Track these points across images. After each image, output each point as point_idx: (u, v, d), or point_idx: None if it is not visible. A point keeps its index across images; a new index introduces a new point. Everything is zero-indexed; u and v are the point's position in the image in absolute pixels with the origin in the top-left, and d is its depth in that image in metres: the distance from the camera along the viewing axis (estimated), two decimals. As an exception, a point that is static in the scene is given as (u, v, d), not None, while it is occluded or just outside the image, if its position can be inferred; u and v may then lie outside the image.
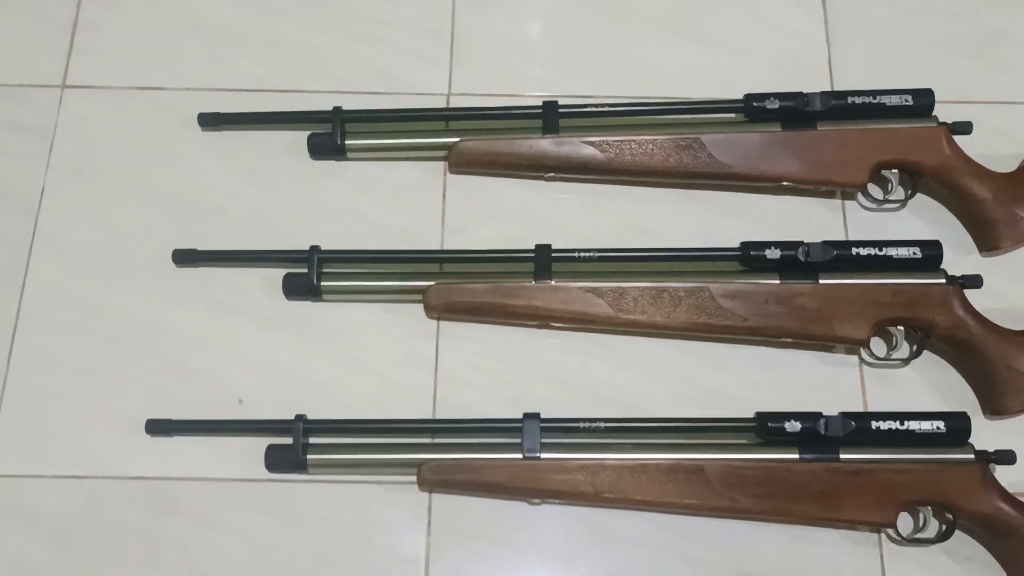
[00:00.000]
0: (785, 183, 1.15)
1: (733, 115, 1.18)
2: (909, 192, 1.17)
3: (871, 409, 1.09)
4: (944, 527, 1.01)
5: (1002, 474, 1.04)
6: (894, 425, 1.00)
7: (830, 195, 1.20)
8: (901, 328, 1.08)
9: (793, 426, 1.00)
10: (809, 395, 1.08)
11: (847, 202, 1.20)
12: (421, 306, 1.11)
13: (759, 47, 1.28)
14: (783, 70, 1.27)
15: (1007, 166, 1.16)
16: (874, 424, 1.00)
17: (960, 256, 1.17)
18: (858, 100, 1.14)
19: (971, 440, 1.01)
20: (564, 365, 1.11)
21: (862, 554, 1.04)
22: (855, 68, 1.26)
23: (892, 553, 1.04)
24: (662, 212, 1.19)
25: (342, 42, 1.27)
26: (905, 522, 1.04)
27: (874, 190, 1.18)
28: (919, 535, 1.02)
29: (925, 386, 1.11)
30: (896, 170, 1.15)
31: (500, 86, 1.26)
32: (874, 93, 1.14)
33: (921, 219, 1.19)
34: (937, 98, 1.16)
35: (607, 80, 1.26)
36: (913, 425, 1.00)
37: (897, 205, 1.18)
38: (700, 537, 1.04)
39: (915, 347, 1.09)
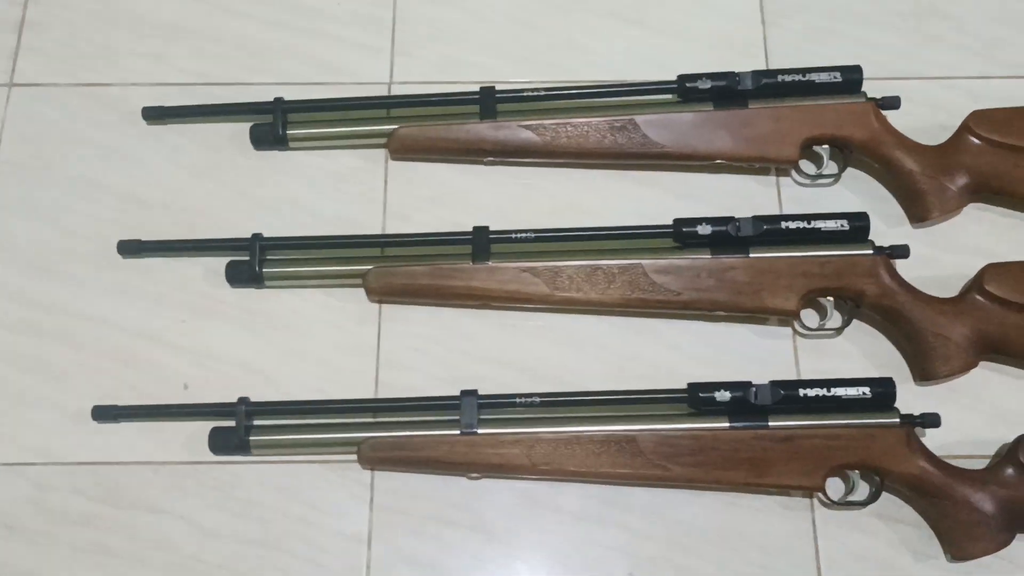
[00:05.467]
0: (719, 161, 1.17)
1: (667, 96, 1.19)
2: (841, 167, 1.19)
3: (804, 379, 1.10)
4: (873, 490, 1.03)
5: (932, 438, 1.06)
6: (821, 392, 1.02)
7: (765, 172, 1.22)
8: (831, 299, 1.10)
9: (723, 395, 1.02)
10: (744, 367, 1.11)
11: (782, 179, 1.22)
12: (363, 291, 1.12)
13: (696, 28, 1.30)
14: (719, 50, 1.29)
15: (938, 139, 1.18)
16: (802, 391, 1.02)
17: (892, 228, 1.19)
18: (788, 78, 1.17)
19: (904, 406, 1.03)
20: (504, 344, 1.14)
21: (795, 519, 1.06)
22: (790, 46, 1.28)
23: (824, 517, 1.06)
24: (601, 193, 1.21)
25: (285, 34, 1.29)
26: (836, 487, 1.06)
27: (807, 166, 1.20)
28: (849, 499, 1.03)
29: (858, 355, 1.13)
30: (827, 145, 1.17)
31: (442, 74, 1.28)
32: (803, 71, 1.17)
33: (854, 193, 1.21)
34: (870, 74, 1.19)
35: (548, 66, 1.28)
36: (840, 391, 1.02)
37: (830, 180, 1.20)
38: (637, 508, 1.07)
39: (846, 317, 1.11)
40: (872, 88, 1.18)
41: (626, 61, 1.28)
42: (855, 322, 1.14)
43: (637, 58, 1.28)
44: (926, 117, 1.23)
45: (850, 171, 1.22)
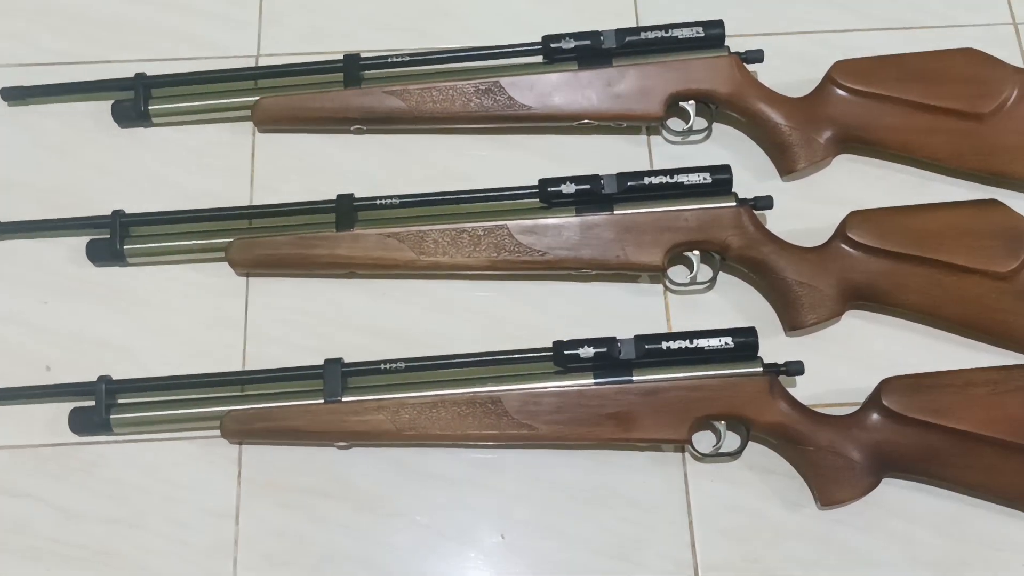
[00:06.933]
0: (585, 120, 1.17)
1: (534, 58, 1.18)
2: (709, 122, 1.19)
3: (676, 334, 1.10)
4: (742, 441, 1.03)
5: (804, 388, 1.06)
6: (684, 344, 1.02)
7: (635, 131, 1.22)
8: (697, 252, 1.09)
9: (587, 352, 1.02)
10: (617, 325, 1.09)
11: (652, 137, 1.22)
12: (231, 265, 1.10)
13: (567, -9, 1.29)
14: (591, 11, 1.29)
15: (806, 92, 1.18)
16: (665, 344, 1.02)
17: (763, 181, 1.19)
18: (651, 35, 1.16)
19: (777, 357, 1.04)
20: (374, 312, 1.13)
21: (667, 474, 1.06)
22: (660, 6, 1.28)
23: (696, 471, 1.06)
24: (474, 158, 1.21)
25: (149, 10, 1.28)
26: (708, 440, 1.05)
27: (677, 123, 1.20)
28: (719, 450, 1.03)
29: (729, 309, 1.13)
30: (693, 101, 1.17)
31: (311, 45, 1.27)
32: (666, 27, 1.17)
33: (725, 149, 1.21)
34: (739, 31, 1.20)
35: (419, 32, 1.28)
36: (702, 343, 1.02)
37: (700, 136, 1.20)
38: (509, 470, 1.06)
39: (714, 271, 1.11)
40: (741, 44, 1.19)
41: (496, 25, 1.28)
42: (727, 276, 1.14)
43: (507, 22, 1.28)
44: (796, 72, 1.23)
45: (722, 127, 1.22)
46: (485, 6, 1.29)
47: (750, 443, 1.06)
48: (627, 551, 1.03)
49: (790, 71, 1.24)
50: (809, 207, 1.18)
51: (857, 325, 1.12)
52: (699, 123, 1.19)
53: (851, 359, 1.11)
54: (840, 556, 1.03)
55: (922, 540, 1.03)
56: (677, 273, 1.13)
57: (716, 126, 1.22)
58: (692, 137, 1.20)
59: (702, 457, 1.05)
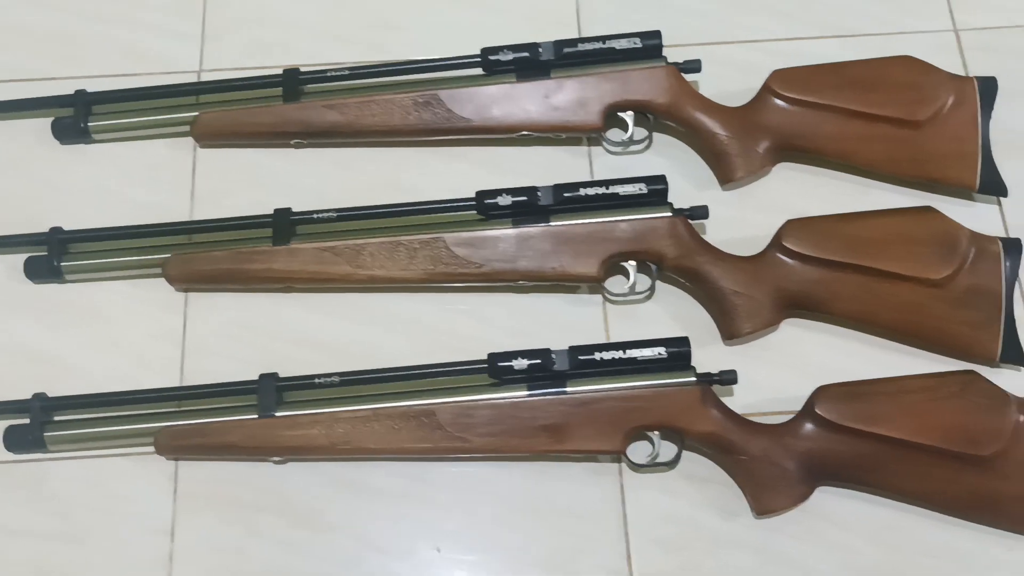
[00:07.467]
0: (524, 132, 1.17)
1: (473, 70, 1.19)
2: (648, 133, 1.19)
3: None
4: (677, 450, 1.03)
5: (742, 397, 1.07)
6: (617, 354, 1.02)
7: (576, 143, 1.22)
8: (633, 263, 1.10)
9: (521, 364, 1.02)
10: (556, 336, 1.09)
11: (593, 148, 1.22)
12: (168, 281, 1.11)
13: (509, 1, 1.29)
14: (533, 22, 1.29)
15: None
16: (598, 355, 1.02)
17: (703, 191, 1.19)
18: (588, 46, 1.17)
19: (715, 367, 1.04)
20: (312, 326, 1.13)
21: (604, 485, 1.06)
22: (602, 16, 1.28)
23: (632, 482, 1.06)
24: (416, 171, 1.21)
25: (92, 26, 1.28)
26: (644, 450, 1.05)
27: (617, 134, 1.20)
28: (655, 460, 1.03)
29: (668, 319, 1.13)
30: (631, 112, 1.17)
31: (253, 59, 1.27)
32: (604, 38, 1.17)
33: (667, 159, 1.22)
34: (681, 40, 1.21)
35: (362, 45, 1.28)
36: (635, 353, 1.02)
37: (641, 147, 1.21)
38: (445, 483, 1.06)
39: (651, 281, 1.11)
40: (683, 54, 1.19)
41: (439, 38, 1.28)
42: (666, 286, 1.14)
43: (449, 34, 1.28)
44: (739, 81, 1.24)
45: (664, 138, 1.22)
46: (429, 19, 1.29)
47: (687, 453, 1.06)
48: (563, 562, 1.03)
49: (733, 80, 1.24)
50: (749, 216, 1.18)
51: (795, 334, 1.13)
52: (639, 133, 1.20)
53: (789, 367, 1.11)
54: (776, 565, 1.03)
55: (858, 548, 1.03)
56: (615, 284, 1.13)
57: (658, 136, 1.22)
58: (632, 148, 1.21)
59: (638, 467, 1.05)
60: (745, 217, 1.18)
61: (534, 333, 1.12)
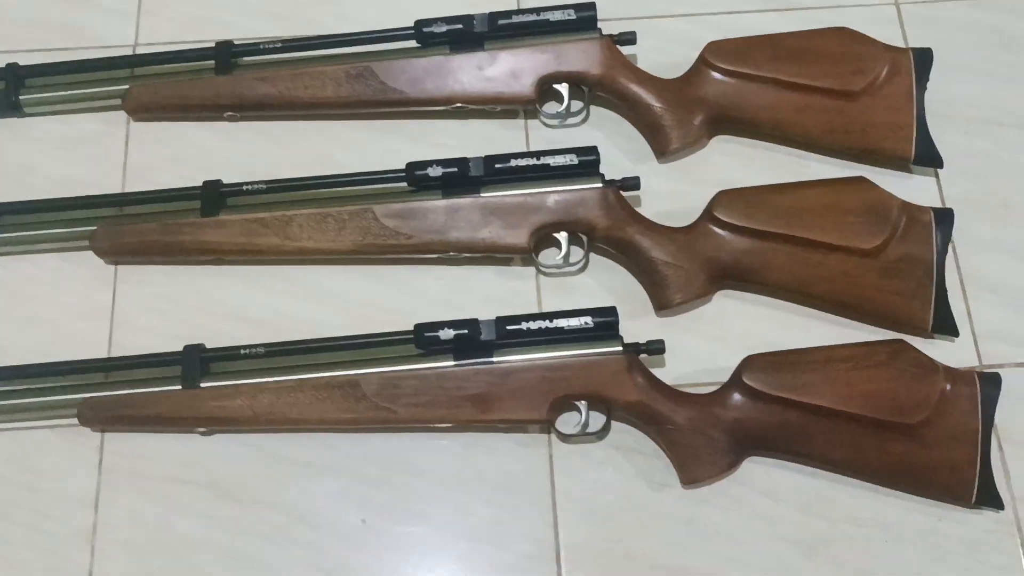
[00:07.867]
0: (458, 104, 1.16)
1: (407, 43, 1.18)
2: (584, 105, 1.18)
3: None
4: (605, 421, 1.02)
5: (674, 368, 1.06)
6: (544, 324, 1.01)
7: (513, 115, 1.21)
8: (565, 234, 1.09)
9: (447, 334, 1.01)
10: (489, 308, 1.08)
11: (530, 121, 1.21)
12: (96, 254, 1.10)
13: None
14: (472, -2, 1.27)
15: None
16: (525, 325, 1.01)
17: (640, 164, 1.19)
18: (523, 18, 1.16)
19: (648, 338, 1.03)
20: (243, 299, 1.12)
21: (532, 457, 1.05)
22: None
23: (562, 453, 1.05)
24: (351, 144, 1.21)
25: (27, 1, 1.26)
26: (573, 421, 1.04)
27: (554, 107, 1.19)
28: (583, 431, 1.02)
29: (601, 291, 1.13)
30: (565, 84, 1.16)
31: (189, 33, 1.26)
32: (538, 10, 1.16)
33: (604, 132, 1.21)
34: (620, 14, 1.19)
35: (298, 20, 1.27)
36: (562, 323, 1.01)
37: (578, 120, 1.20)
38: (373, 455, 1.05)
39: (583, 252, 1.10)
40: (622, 27, 1.18)
41: (375, 13, 1.27)
42: (600, 259, 1.14)
43: (386, 9, 1.26)
44: (679, 55, 1.22)
45: (601, 111, 1.22)
46: (366, -6, 1.27)
47: (617, 425, 1.05)
48: (489, 534, 1.03)
49: (673, 54, 1.23)
50: (686, 188, 1.17)
51: (728, 305, 1.12)
52: (575, 106, 1.19)
53: (722, 339, 1.10)
54: (705, 535, 1.02)
55: (786, 518, 1.03)
56: (549, 256, 1.12)
57: (595, 110, 1.21)
58: (569, 121, 1.20)
59: (566, 438, 1.04)
60: (683, 190, 1.17)
61: (467, 306, 1.11)
